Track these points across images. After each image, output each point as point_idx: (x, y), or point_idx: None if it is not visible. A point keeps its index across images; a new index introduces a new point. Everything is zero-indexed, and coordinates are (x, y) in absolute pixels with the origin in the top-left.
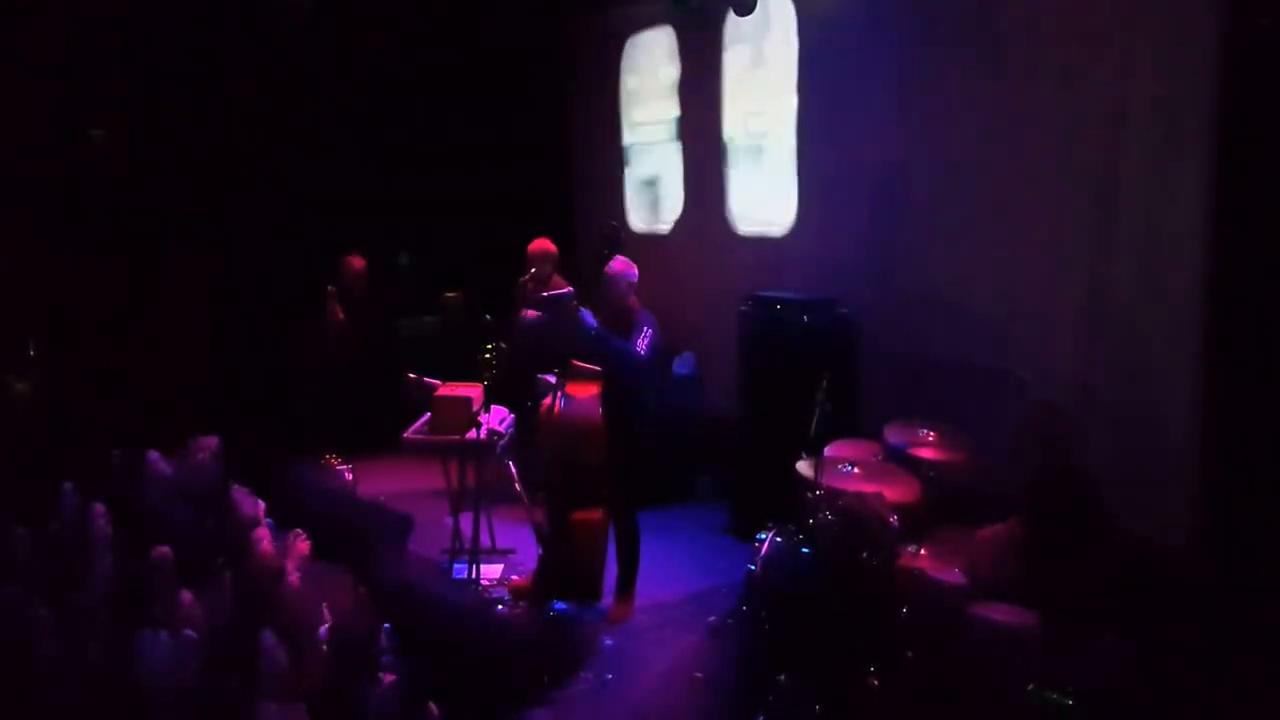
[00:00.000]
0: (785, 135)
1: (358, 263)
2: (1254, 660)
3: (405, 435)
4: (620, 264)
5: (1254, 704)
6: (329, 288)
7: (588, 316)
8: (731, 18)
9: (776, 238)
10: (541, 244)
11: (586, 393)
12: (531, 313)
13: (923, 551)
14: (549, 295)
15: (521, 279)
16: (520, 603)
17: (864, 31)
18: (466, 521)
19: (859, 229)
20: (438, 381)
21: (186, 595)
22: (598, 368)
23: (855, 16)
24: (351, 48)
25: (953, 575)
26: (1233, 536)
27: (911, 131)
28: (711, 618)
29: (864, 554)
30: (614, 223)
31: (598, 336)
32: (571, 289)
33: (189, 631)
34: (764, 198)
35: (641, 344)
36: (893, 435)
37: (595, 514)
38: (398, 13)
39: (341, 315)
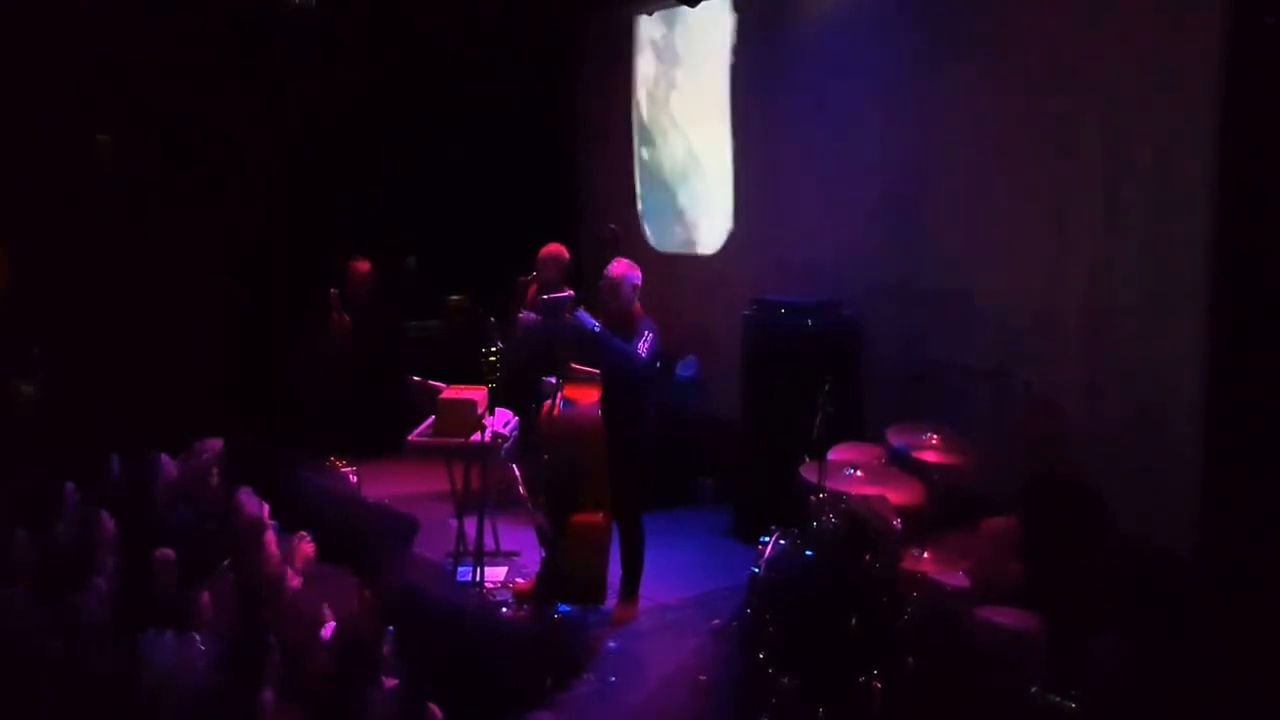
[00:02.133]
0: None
1: (363, 266)
2: (1253, 660)
3: (410, 438)
4: (622, 266)
5: (1254, 704)
6: (332, 290)
7: (586, 317)
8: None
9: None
10: (552, 249)
11: (586, 396)
12: (527, 315)
13: (926, 554)
14: (549, 299)
15: (521, 278)
16: (524, 605)
17: (853, 28)
18: (471, 524)
19: (860, 232)
20: (442, 384)
21: (205, 595)
22: (597, 370)
23: (845, 17)
24: (355, 52)
25: (956, 578)
26: (1233, 537)
27: (913, 135)
28: (715, 620)
29: (867, 557)
30: (613, 226)
31: (598, 336)
32: (571, 293)
33: (196, 635)
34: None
35: (642, 347)
36: (896, 438)
37: (595, 516)
38: (400, 17)
39: (346, 318)
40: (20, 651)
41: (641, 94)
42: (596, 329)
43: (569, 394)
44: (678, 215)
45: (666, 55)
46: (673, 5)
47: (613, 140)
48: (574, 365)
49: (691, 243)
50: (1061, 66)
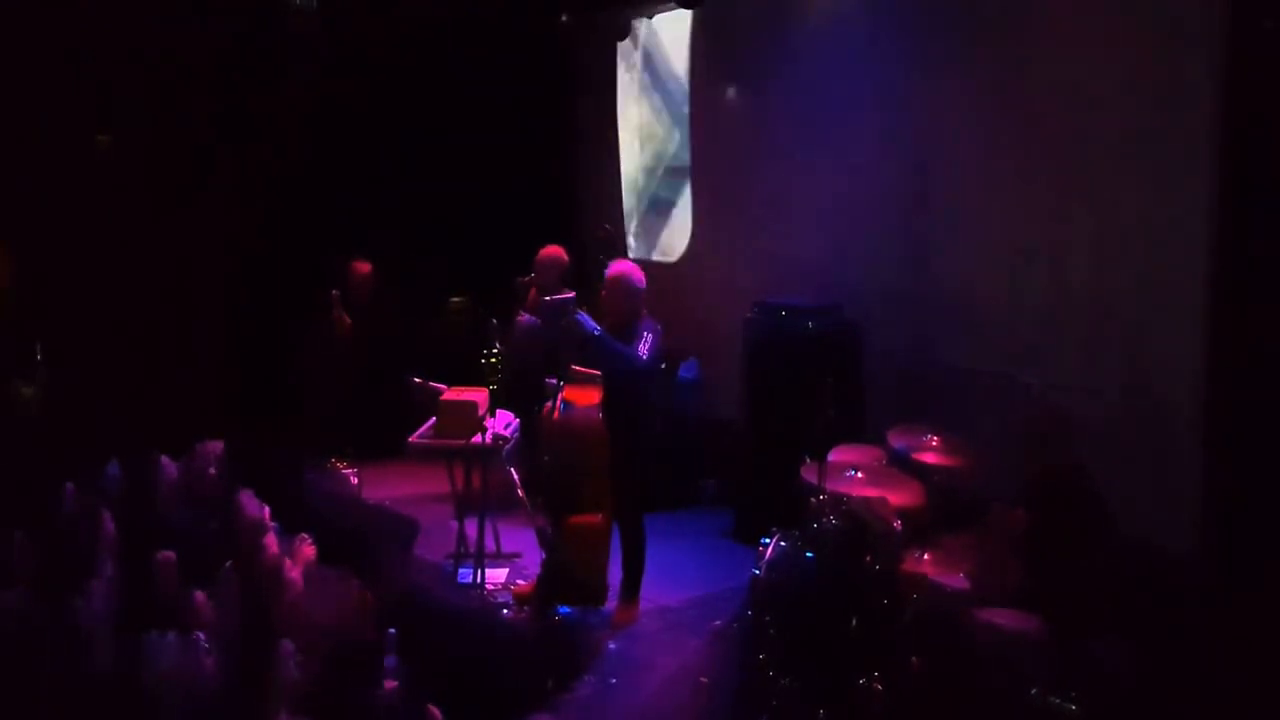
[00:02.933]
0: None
1: (364, 267)
2: (1254, 661)
3: (411, 439)
4: (621, 267)
5: (1254, 705)
6: (334, 292)
7: (587, 320)
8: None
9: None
10: (550, 251)
11: (587, 398)
12: (526, 317)
13: (926, 556)
14: (549, 301)
15: (521, 279)
16: (525, 607)
17: (863, 30)
18: (472, 526)
19: (860, 235)
20: (443, 386)
21: (200, 595)
22: (598, 372)
23: (856, 12)
24: (356, 55)
25: (956, 580)
26: (1234, 538)
27: (915, 137)
28: (716, 622)
29: (867, 559)
30: (607, 226)
31: (598, 339)
32: (573, 294)
33: (199, 636)
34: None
35: (642, 349)
36: (896, 440)
37: (595, 518)
38: (400, 20)
39: (347, 319)
40: (20, 652)
41: (634, 97)
42: (596, 332)
43: (570, 395)
44: (663, 221)
45: (660, 60)
46: (672, 9)
47: (608, 142)
48: (575, 367)
49: (672, 248)
50: (1061, 69)
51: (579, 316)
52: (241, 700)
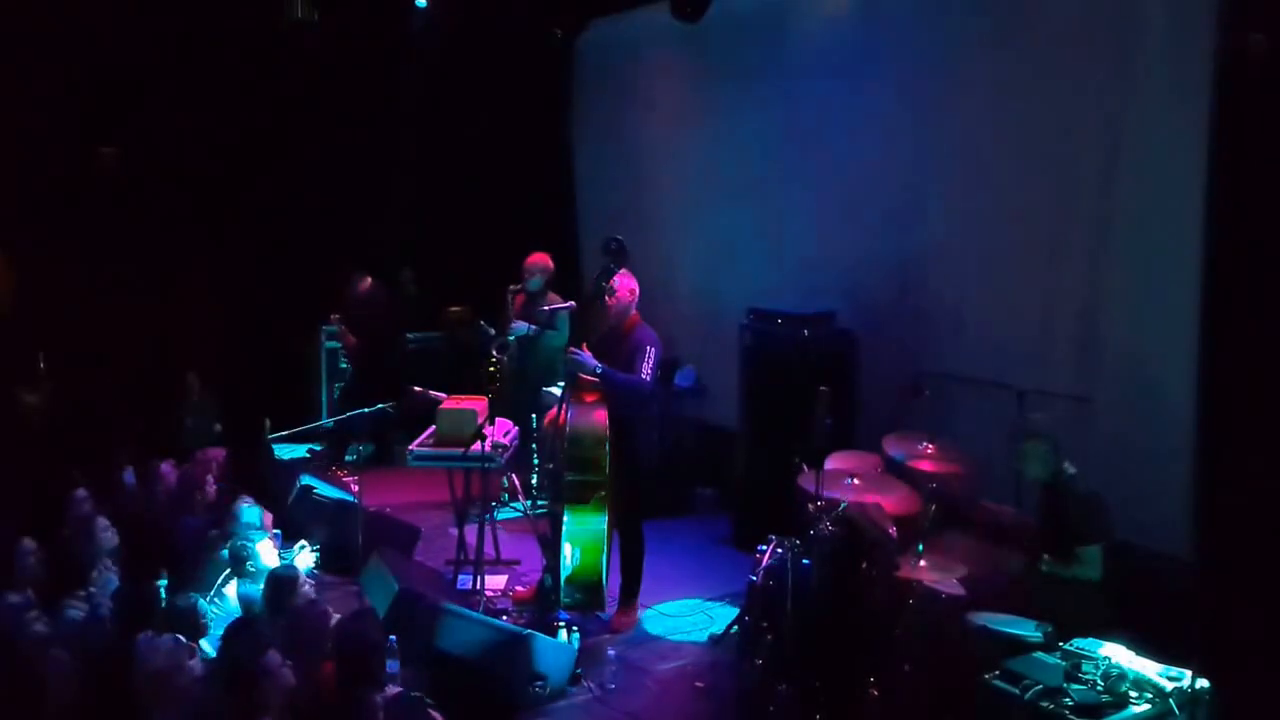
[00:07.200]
0: None
1: (363, 282)
2: (1251, 668)
3: (411, 447)
4: (618, 278)
5: (1250, 708)
6: (333, 316)
7: (587, 358)
8: None
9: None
10: (537, 258)
11: (592, 397)
12: (520, 323)
13: (922, 562)
14: (550, 310)
15: (509, 287)
16: (524, 613)
17: (852, 42)
18: (471, 532)
19: (859, 246)
20: (443, 395)
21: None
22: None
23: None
24: (355, 63)
25: (951, 585)
26: (1230, 545)
27: (909, 148)
28: (713, 628)
29: (864, 565)
30: (619, 237)
31: (602, 375)
32: (573, 304)
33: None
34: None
35: (646, 368)
36: (892, 447)
37: (599, 525)
38: (401, 34)
39: (352, 339)
40: (22, 655)
41: (637, 106)
42: (599, 370)
43: (574, 401)
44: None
45: (662, 70)
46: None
47: (610, 153)
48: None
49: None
50: (1058, 77)
51: (580, 357)
52: (231, 704)
